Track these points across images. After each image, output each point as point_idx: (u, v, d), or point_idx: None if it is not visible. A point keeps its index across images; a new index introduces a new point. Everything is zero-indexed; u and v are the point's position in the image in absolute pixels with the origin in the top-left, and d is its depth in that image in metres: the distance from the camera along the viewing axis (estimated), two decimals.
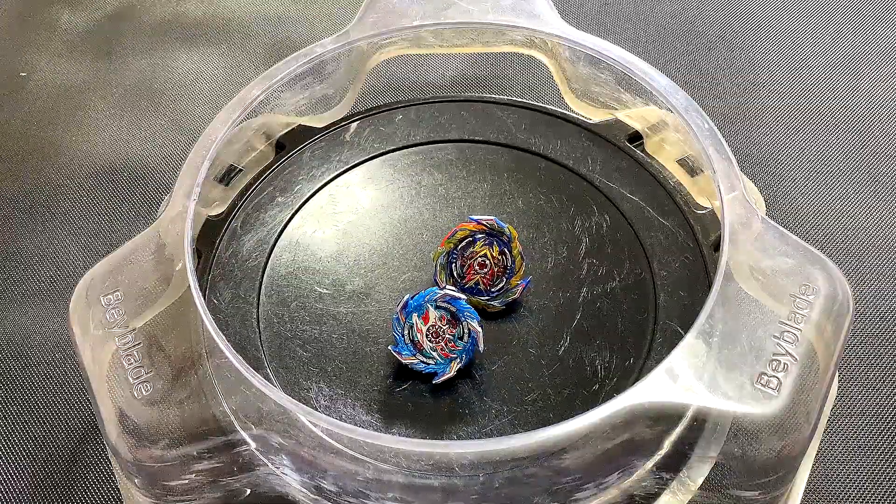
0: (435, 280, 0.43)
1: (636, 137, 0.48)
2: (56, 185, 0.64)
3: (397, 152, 0.49)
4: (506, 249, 0.43)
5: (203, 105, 0.68)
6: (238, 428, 0.38)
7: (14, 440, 0.52)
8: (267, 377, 0.40)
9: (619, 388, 0.38)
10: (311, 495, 0.38)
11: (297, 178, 0.48)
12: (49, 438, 0.52)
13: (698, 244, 0.44)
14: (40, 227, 0.62)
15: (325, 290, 0.44)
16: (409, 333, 0.41)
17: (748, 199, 0.41)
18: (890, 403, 0.52)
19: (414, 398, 0.40)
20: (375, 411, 0.40)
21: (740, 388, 0.36)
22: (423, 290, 0.41)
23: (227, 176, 0.47)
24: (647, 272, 0.44)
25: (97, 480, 0.50)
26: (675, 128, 0.46)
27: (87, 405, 0.53)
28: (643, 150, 0.48)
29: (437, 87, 0.68)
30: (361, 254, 0.45)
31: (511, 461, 0.37)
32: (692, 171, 0.46)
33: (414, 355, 0.41)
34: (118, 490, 0.49)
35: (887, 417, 0.51)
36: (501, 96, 0.51)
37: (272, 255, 0.45)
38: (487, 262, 0.43)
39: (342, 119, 0.50)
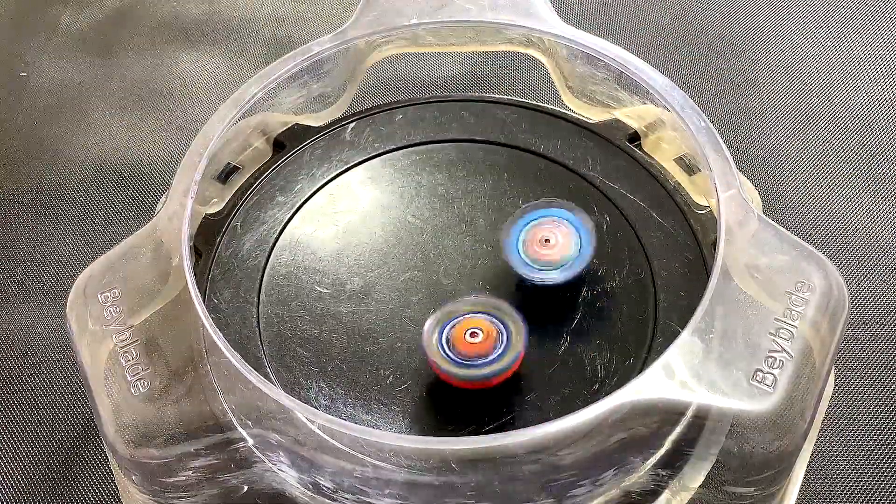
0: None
1: (636, 137, 0.48)
2: (55, 185, 0.64)
3: (397, 152, 0.49)
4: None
5: (203, 105, 0.68)
6: (236, 425, 0.38)
7: (12, 438, 0.52)
8: (267, 376, 0.40)
9: (619, 389, 0.38)
10: (309, 492, 0.38)
11: (297, 177, 0.48)
12: (48, 436, 0.52)
13: (698, 244, 0.44)
14: (40, 225, 0.62)
15: (325, 290, 0.44)
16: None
17: (745, 196, 0.41)
18: (890, 403, 0.52)
19: (414, 398, 0.40)
20: (375, 411, 0.40)
21: (735, 385, 0.36)
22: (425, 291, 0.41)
23: (225, 174, 0.47)
24: (647, 272, 0.43)
25: (95, 478, 0.51)
26: (671, 126, 0.46)
27: (86, 403, 0.53)
28: (643, 150, 0.48)
29: (437, 86, 0.69)
30: (361, 254, 0.45)
31: (508, 458, 0.37)
32: (689, 169, 0.46)
33: None
34: (116, 488, 0.49)
35: (887, 416, 0.51)
36: (501, 96, 0.51)
37: (272, 254, 0.45)
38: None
39: (342, 118, 0.50)
